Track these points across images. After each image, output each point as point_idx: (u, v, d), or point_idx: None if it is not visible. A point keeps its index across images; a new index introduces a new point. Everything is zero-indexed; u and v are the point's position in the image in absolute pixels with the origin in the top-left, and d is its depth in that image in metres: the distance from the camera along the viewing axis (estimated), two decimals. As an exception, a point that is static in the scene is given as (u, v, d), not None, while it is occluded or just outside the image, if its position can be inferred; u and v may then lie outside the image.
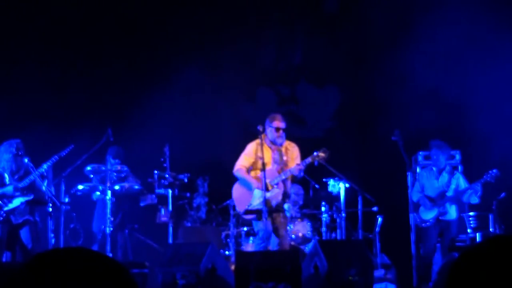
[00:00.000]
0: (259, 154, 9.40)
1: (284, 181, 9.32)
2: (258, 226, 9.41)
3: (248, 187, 9.37)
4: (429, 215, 10.44)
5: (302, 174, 9.50)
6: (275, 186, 9.21)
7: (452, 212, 10.52)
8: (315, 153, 9.18)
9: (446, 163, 10.75)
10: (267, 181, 9.19)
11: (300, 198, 11.60)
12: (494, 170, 10.19)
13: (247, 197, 9.39)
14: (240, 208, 9.55)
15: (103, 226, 10.61)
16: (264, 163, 9.12)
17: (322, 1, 14.10)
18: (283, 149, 9.46)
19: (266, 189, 9.13)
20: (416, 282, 9.52)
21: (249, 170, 9.54)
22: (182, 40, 13.66)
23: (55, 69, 12.89)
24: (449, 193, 10.45)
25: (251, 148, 9.54)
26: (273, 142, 9.39)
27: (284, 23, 13.88)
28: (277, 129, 9.35)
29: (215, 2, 13.74)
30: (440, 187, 10.53)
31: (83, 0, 13.22)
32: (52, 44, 13.00)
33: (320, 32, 13.87)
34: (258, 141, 9.45)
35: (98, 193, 10.53)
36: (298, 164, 9.23)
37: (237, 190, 9.59)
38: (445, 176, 10.59)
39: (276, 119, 9.45)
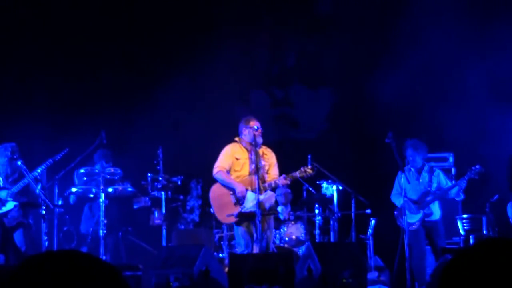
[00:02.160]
0: (237, 156, 9.48)
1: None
2: (239, 233, 9.41)
3: (229, 189, 9.39)
4: (414, 218, 10.34)
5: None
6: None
7: (436, 212, 10.39)
8: (302, 168, 9.19)
9: (424, 162, 10.58)
10: (249, 188, 9.28)
11: (282, 197, 11.53)
12: (477, 166, 10.10)
13: (226, 201, 9.38)
14: (218, 213, 9.54)
15: (91, 229, 10.61)
16: (258, 166, 9.14)
17: (315, 3, 14.12)
18: (260, 151, 9.49)
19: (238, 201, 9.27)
20: (409, 284, 9.52)
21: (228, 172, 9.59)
22: (176, 43, 13.66)
23: (50, 71, 12.87)
24: (432, 191, 10.35)
25: (229, 148, 9.59)
26: (251, 143, 9.42)
27: (277, 25, 13.90)
28: (252, 128, 9.42)
29: (208, 5, 13.74)
30: (422, 188, 10.43)
31: (79, 4, 13.20)
32: (48, 45, 12.99)
33: (313, 35, 13.89)
34: (235, 143, 9.56)
35: (91, 195, 10.52)
36: (285, 178, 9.25)
37: (215, 192, 9.58)
38: (425, 175, 10.44)
39: (251, 120, 9.57)
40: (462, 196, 10.35)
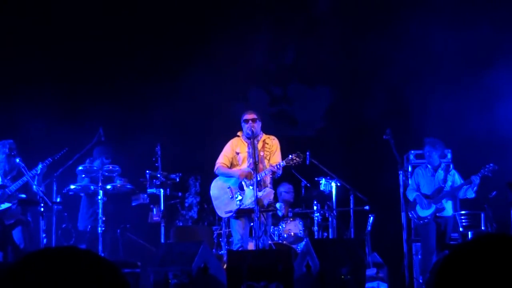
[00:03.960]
0: (238, 150, 9.50)
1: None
2: (233, 227, 9.45)
3: (229, 181, 9.41)
4: (426, 212, 10.48)
5: (279, 174, 9.55)
6: (251, 187, 9.20)
7: (449, 208, 10.57)
8: (289, 156, 9.19)
9: (441, 160, 10.79)
10: (242, 181, 9.31)
11: (290, 196, 11.62)
12: (491, 164, 10.23)
13: (224, 196, 9.43)
14: (218, 209, 9.59)
15: (89, 226, 10.61)
16: (257, 162, 9.14)
17: (313, 1, 14.10)
18: (260, 143, 9.49)
19: (242, 189, 9.29)
20: (408, 280, 9.54)
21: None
22: (174, 41, 13.66)
23: (49, 69, 12.86)
24: (446, 189, 10.49)
25: (230, 144, 9.65)
26: (247, 136, 9.47)
27: (276, 23, 13.89)
28: (246, 121, 9.47)
29: (206, 3, 13.73)
30: (437, 184, 10.57)
31: (80, 2, 13.19)
32: (47, 44, 12.98)
33: (311, 32, 13.88)
34: (236, 138, 9.60)
35: (90, 192, 10.52)
36: (272, 166, 9.25)
37: (215, 188, 9.63)
38: (440, 173, 10.62)
39: (245, 113, 9.63)
40: (474, 195, 10.44)
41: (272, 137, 9.63)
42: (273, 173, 9.34)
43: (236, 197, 9.32)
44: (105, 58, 13.24)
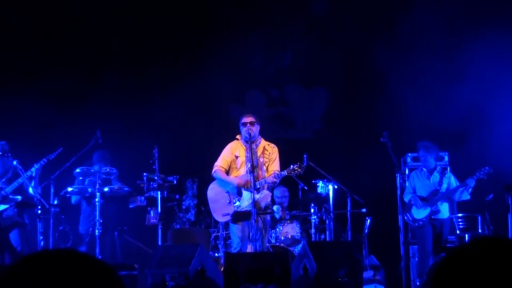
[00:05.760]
0: (237, 153, 9.48)
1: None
2: (233, 231, 9.43)
3: (225, 187, 9.40)
4: (421, 214, 10.51)
5: (277, 183, 9.58)
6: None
7: (445, 211, 10.59)
8: (291, 166, 9.16)
9: (436, 163, 10.83)
10: (245, 186, 9.30)
11: (285, 200, 11.62)
12: (486, 167, 10.28)
13: (221, 201, 9.41)
14: (215, 212, 9.58)
15: (91, 229, 10.60)
16: (255, 166, 9.13)
17: (310, 3, 14.11)
18: (260, 148, 9.47)
19: (239, 193, 9.27)
20: (405, 283, 9.54)
21: (228, 172, 9.58)
22: (171, 42, 13.66)
23: (47, 69, 12.85)
24: (442, 191, 10.52)
25: (229, 147, 9.61)
26: (245, 140, 9.45)
27: (273, 25, 13.90)
28: (244, 124, 9.45)
29: (203, 5, 13.73)
30: (432, 186, 10.60)
31: (78, 3, 13.18)
32: (45, 44, 12.97)
33: (308, 34, 13.89)
34: (236, 141, 9.57)
35: (87, 195, 10.52)
36: (273, 177, 9.23)
37: (212, 191, 9.62)
38: (436, 176, 10.68)
39: (244, 116, 9.60)
40: (469, 197, 10.49)
41: (272, 145, 9.61)
42: (273, 182, 9.35)
43: (234, 203, 9.31)
44: (104, 59, 13.24)
